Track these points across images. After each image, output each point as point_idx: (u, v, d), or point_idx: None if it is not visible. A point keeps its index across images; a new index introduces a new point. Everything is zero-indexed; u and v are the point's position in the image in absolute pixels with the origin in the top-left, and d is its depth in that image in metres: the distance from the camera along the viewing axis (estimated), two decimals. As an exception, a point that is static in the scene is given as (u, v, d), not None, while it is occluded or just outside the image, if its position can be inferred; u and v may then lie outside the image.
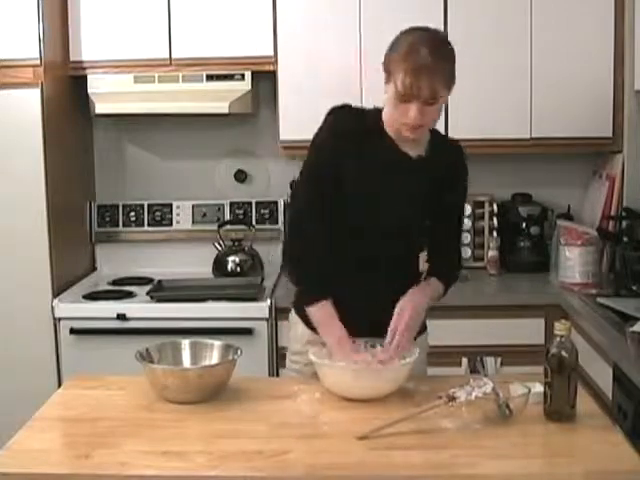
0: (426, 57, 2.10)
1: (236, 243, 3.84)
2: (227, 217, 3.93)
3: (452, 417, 1.99)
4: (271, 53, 3.60)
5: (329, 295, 2.27)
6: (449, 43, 2.21)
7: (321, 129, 2.32)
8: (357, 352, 2.21)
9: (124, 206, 3.97)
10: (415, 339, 2.29)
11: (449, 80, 2.16)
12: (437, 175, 2.31)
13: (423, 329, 2.44)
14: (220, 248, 3.83)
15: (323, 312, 2.28)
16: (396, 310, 2.22)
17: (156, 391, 2.16)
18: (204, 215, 3.95)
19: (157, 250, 3.96)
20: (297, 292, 2.44)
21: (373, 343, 2.25)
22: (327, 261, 2.29)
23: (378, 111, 2.32)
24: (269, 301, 3.37)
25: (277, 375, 3.33)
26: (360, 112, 2.33)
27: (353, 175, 2.26)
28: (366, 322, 2.23)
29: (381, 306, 2.24)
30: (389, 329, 2.20)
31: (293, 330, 2.49)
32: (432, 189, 2.31)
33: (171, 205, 3.97)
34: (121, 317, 3.36)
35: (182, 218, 3.96)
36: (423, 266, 2.43)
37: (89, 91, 3.65)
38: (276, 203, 3.93)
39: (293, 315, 2.49)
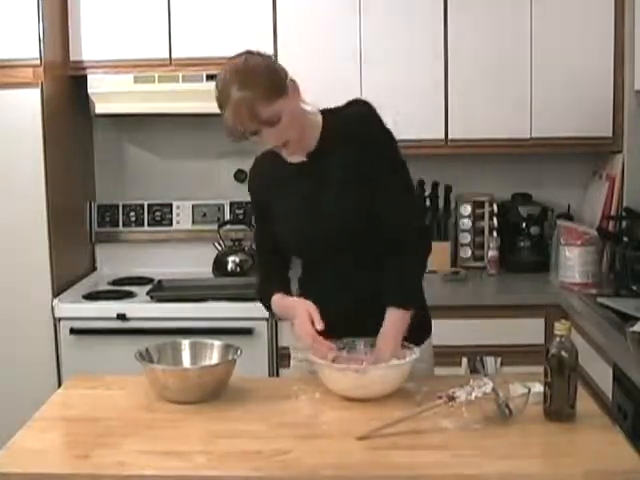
0: (235, 93, 2.07)
1: (236, 243, 3.84)
2: (227, 217, 3.93)
3: (452, 417, 1.98)
4: (271, 53, 3.58)
5: (278, 289, 2.34)
6: (258, 59, 2.21)
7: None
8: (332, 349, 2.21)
9: (124, 206, 3.97)
10: (419, 344, 2.29)
11: (271, 98, 2.09)
12: (344, 158, 2.22)
13: (428, 333, 2.43)
14: (220, 248, 3.84)
15: (278, 303, 2.33)
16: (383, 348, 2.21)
17: (156, 391, 2.16)
18: (204, 215, 3.95)
19: (157, 250, 3.96)
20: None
21: (373, 342, 2.24)
22: (308, 276, 2.38)
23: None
24: (269, 301, 3.37)
25: (277, 375, 3.33)
26: (266, 156, 2.34)
27: (276, 203, 2.33)
28: (344, 324, 2.22)
29: (361, 306, 2.26)
30: (377, 358, 2.18)
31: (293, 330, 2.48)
32: (345, 176, 2.23)
33: (171, 205, 3.97)
34: (121, 317, 3.36)
35: (182, 218, 3.96)
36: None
37: (89, 91, 3.65)
38: (276, 203, 3.93)
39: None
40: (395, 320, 2.22)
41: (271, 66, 2.20)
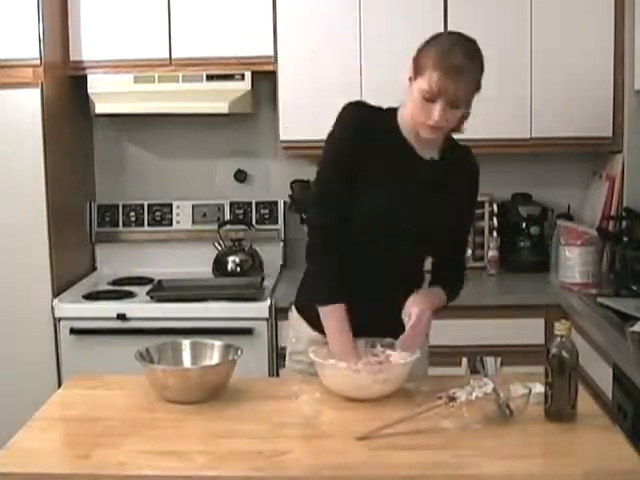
0: (461, 60, 2.10)
1: (236, 243, 3.84)
2: (227, 217, 3.93)
3: (452, 417, 1.98)
4: (271, 53, 3.60)
5: (344, 299, 2.25)
6: (479, 50, 2.19)
7: (336, 124, 2.29)
8: (359, 357, 2.21)
9: (124, 206, 3.97)
10: None
11: (476, 87, 2.17)
12: (450, 178, 2.31)
13: None
14: (220, 248, 3.83)
15: (336, 317, 2.25)
16: (415, 310, 2.20)
17: (156, 391, 2.16)
18: (204, 215, 3.95)
19: (157, 250, 3.96)
20: (304, 291, 2.43)
21: (373, 342, 2.25)
22: (346, 261, 2.27)
23: (393, 110, 2.30)
24: (269, 301, 3.37)
25: (277, 375, 3.33)
26: (375, 110, 2.30)
27: (368, 171, 2.25)
28: (368, 320, 2.22)
29: (384, 306, 2.24)
30: (410, 325, 2.19)
31: (294, 330, 2.48)
32: (445, 191, 2.30)
33: (171, 205, 3.97)
34: (121, 317, 3.36)
35: (182, 218, 3.96)
36: (428, 266, 2.44)
37: (89, 91, 3.65)
38: (276, 203, 3.93)
39: (294, 315, 2.48)
40: (438, 291, 2.33)
41: (484, 65, 2.20)
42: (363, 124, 2.26)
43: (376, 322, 2.23)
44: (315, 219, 2.34)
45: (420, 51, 2.19)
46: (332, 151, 2.29)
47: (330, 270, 2.27)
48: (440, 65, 2.10)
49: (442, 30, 3.52)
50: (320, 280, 2.32)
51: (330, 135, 2.29)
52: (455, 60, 2.10)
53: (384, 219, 2.26)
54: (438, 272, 2.42)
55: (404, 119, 2.27)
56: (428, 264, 2.44)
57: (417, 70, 2.16)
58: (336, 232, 2.26)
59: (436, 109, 2.13)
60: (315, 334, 2.35)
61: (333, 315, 2.25)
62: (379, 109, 2.31)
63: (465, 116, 2.25)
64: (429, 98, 2.13)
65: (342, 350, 2.21)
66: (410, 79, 2.19)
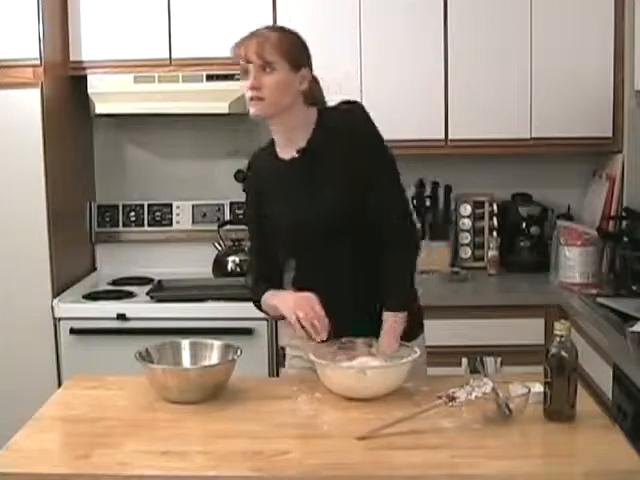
0: (257, 30, 2.24)
1: (236, 243, 3.83)
2: (227, 217, 3.93)
3: (452, 417, 1.98)
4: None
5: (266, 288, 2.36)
6: (294, 32, 2.29)
7: None
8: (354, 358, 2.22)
9: (124, 206, 3.97)
10: (411, 340, 2.30)
11: (282, 47, 2.21)
12: (331, 155, 2.26)
13: (421, 329, 2.44)
14: (220, 248, 3.83)
15: (269, 299, 2.34)
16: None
17: (156, 391, 2.16)
18: (204, 215, 3.95)
19: (157, 250, 3.96)
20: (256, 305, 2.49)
21: (370, 342, 2.26)
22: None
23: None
24: (269, 301, 3.37)
25: (277, 375, 3.33)
26: (265, 146, 2.42)
27: (265, 200, 2.38)
28: (347, 322, 2.24)
29: (355, 302, 2.27)
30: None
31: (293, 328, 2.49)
32: (330, 172, 2.27)
33: (171, 205, 3.97)
34: (121, 317, 3.36)
35: (182, 218, 3.96)
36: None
37: (89, 91, 3.65)
38: (276, 203, 3.93)
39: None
40: (393, 323, 2.27)
41: (303, 43, 2.30)
42: (255, 164, 2.44)
43: (346, 321, 2.23)
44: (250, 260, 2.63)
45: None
46: (246, 199, 2.50)
47: (252, 287, 2.46)
48: (240, 39, 2.24)
49: (442, 31, 3.55)
50: (252, 296, 2.45)
51: None
52: (253, 31, 2.24)
53: (294, 232, 2.33)
54: (384, 249, 2.32)
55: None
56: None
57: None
58: (258, 258, 2.47)
59: (249, 78, 2.21)
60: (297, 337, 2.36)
61: (267, 303, 2.36)
62: (270, 142, 2.40)
63: (314, 87, 2.30)
64: (241, 72, 2.24)
65: (286, 300, 2.25)
66: None
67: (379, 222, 2.28)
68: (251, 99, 2.22)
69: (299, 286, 2.33)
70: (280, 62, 2.20)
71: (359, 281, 2.31)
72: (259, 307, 2.43)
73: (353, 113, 2.31)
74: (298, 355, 2.43)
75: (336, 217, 2.26)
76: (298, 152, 2.30)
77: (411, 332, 2.33)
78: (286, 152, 2.32)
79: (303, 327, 2.17)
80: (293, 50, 2.24)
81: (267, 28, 2.28)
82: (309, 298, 2.19)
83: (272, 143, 2.38)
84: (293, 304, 2.20)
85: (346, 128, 2.28)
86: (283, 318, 2.30)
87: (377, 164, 2.29)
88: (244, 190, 2.50)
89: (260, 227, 2.42)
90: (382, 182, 2.29)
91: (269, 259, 2.43)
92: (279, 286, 2.39)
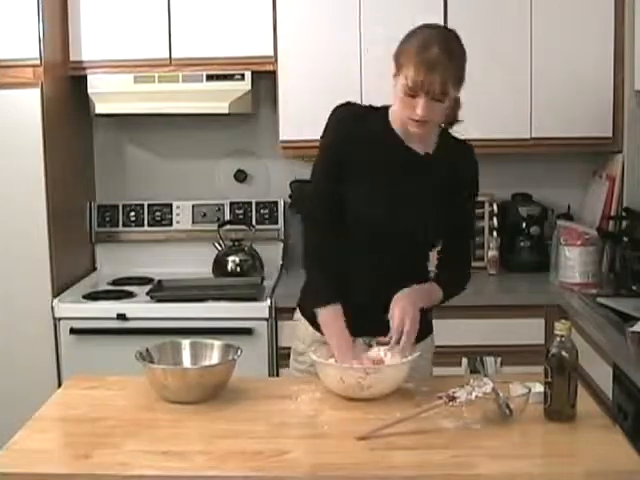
0: (437, 53, 2.11)
1: (236, 243, 3.83)
2: (227, 217, 3.93)
3: (452, 417, 1.99)
4: (271, 53, 3.60)
5: (339, 299, 2.26)
6: (460, 41, 2.21)
7: (326, 127, 2.32)
8: (358, 358, 2.20)
9: (124, 206, 3.97)
10: (420, 341, 2.31)
11: (458, 77, 2.18)
12: (446, 174, 2.31)
13: (429, 331, 2.44)
14: (220, 248, 3.83)
15: (332, 315, 2.27)
16: (397, 310, 2.20)
17: (156, 391, 2.16)
18: (204, 215, 3.95)
19: (157, 250, 3.96)
20: (306, 291, 2.44)
21: (370, 341, 2.25)
22: (341, 262, 2.30)
23: (385, 108, 2.32)
24: (269, 301, 3.37)
25: (277, 375, 3.33)
26: (364, 111, 2.33)
27: (361, 168, 2.27)
28: (367, 321, 2.23)
29: (384, 306, 2.23)
30: (394, 328, 2.19)
31: (298, 330, 2.48)
32: (441, 188, 2.31)
33: (171, 205, 3.97)
34: (121, 317, 3.36)
35: (182, 218, 3.96)
36: (433, 265, 2.45)
37: (89, 91, 3.65)
38: (276, 203, 3.93)
39: (298, 315, 2.49)
40: (429, 288, 2.32)
41: (465, 52, 2.22)
42: (351, 124, 2.29)
43: (375, 321, 2.22)
44: (310, 217, 2.38)
45: (400, 47, 2.21)
46: (323, 152, 2.33)
47: (325, 271, 2.30)
48: (415, 60, 2.12)
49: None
50: (315, 281, 2.35)
51: (321, 138, 2.34)
52: (430, 54, 2.11)
53: (373, 219, 2.28)
54: (440, 269, 2.42)
55: (394, 116, 2.29)
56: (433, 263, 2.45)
57: (398, 67, 2.19)
58: (330, 230, 2.28)
59: (419, 104, 2.14)
60: (317, 334, 2.35)
61: (328, 313, 2.27)
62: (370, 108, 2.34)
63: (455, 106, 2.27)
64: (410, 94, 2.15)
65: (340, 351, 2.21)
66: (394, 76, 2.21)
67: (449, 249, 2.40)
68: (416, 120, 2.17)
69: (338, 273, 2.30)
70: (453, 92, 2.18)
71: (394, 280, 2.29)
72: (313, 285, 2.35)
73: (473, 150, 2.41)
74: (303, 360, 2.43)
75: (425, 232, 2.31)
76: (426, 155, 2.30)
77: (423, 331, 2.33)
78: (412, 144, 2.30)
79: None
80: (463, 71, 2.20)
81: (438, 44, 2.12)
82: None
83: (383, 115, 2.31)
84: (341, 358, 2.20)
85: (469, 161, 2.39)
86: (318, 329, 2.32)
87: (471, 202, 2.44)
88: (332, 134, 2.29)
89: (336, 185, 2.27)
90: (469, 223, 2.50)
91: (331, 232, 2.30)
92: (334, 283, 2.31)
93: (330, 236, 2.29)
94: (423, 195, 2.30)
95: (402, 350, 2.17)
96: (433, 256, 2.44)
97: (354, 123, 2.29)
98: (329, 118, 2.32)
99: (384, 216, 2.27)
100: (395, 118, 2.28)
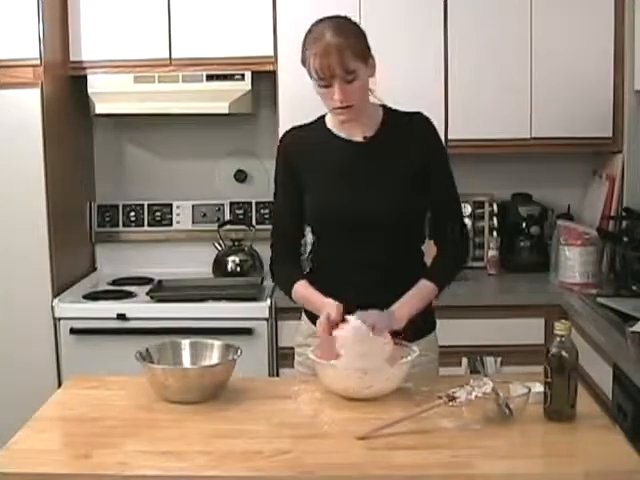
0: (329, 37, 2.18)
1: (236, 243, 3.84)
2: (227, 217, 3.93)
3: (452, 417, 1.98)
4: (271, 53, 3.60)
5: (300, 277, 2.37)
6: (353, 22, 2.28)
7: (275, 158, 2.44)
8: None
9: (124, 206, 3.97)
10: (422, 337, 2.33)
11: (359, 54, 2.21)
12: (400, 151, 2.31)
13: (431, 328, 2.45)
14: (220, 248, 3.84)
15: (301, 292, 2.35)
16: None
17: (156, 391, 2.16)
18: (204, 215, 3.95)
19: (157, 250, 3.96)
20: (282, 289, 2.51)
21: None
22: (326, 266, 2.39)
23: (322, 116, 2.40)
24: (269, 301, 3.38)
25: (277, 375, 3.33)
26: (303, 125, 2.43)
27: (309, 176, 2.35)
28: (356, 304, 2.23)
29: (378, 303, 2.23)
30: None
31: (300, 325, 2.52)
32: (398, 166, 2.30)
33: (171, 205, 3.97)
34: (121, 317, 3.36)
35: (182, 218, 3.96)
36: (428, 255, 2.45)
37: (89, 91, 3.65)
38: (276, 203, 3.93)
39: (303, 312, 2.52)
40: (422, 290, 2.31)
41: (364, 32, 2.29)
42: (290, 144, 2.40)
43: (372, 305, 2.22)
44: (271, 238, 2.54)
45: (301, 51, 2.27)
46: (275, 184, 2.44)
47: (278, 273, 2.47)
48: (313, 52, 2.20)
49: (442, 32, 3.55)
50: (278, 283, 2.53)
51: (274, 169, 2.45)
52: (323, 41, 2.18)
53: (334, 214, 2.32)
54: (436, 253, 2.41)
55: (330, 116, 2.36)
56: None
57: (307, 68, 2.25)
58: (286, 246, 2.46)
59: (335, 91, 2.20)
60: (310, 326, 2.39)
61: (298, 293, 2.36)
62: (310, 122, 2.42)
63: (372, 72, 2.30)
64: (323, 84, 2.21)
65: (322, 306, 2.23)
66: (311, 78, 2.27)
67: (437, 228, 2.40)
68: (339, 108, 2.22)
69: (320, 265, 2.41)
70: (359, 66, 2.21)
71: (387, 277, 2.31)
72: (284, 290, 2.44)
73: (427, 119, 2.37)
74: (301, 352, 2.45)
75: (394, 214, 2.30)
76: (365, 139, 2.32)
77: (424, 328, 2.37)
78: (348, 135, 2.33)
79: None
80: (363, 47, 2.25)
81: (329, 29, 2.20)
82: (332, 307, 2.20)
83: (320, 121, 2.39)
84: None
85: (421, 130, 2.35)
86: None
87: (442, 172, 2.37)
88: (278, 157, 2.42)
89: (289, 198, 2.39)
90: (446, 193, 2.39)
91: (290, 236, 2.45)
92: (302, 269, 2.44)
93: (284, 252, 2.47)
94: (378, 179, 2.30)
95: (376, 331, 2.15)
96: (430, 249, 2.43)
97: (291, 143, 2.40)
98: (276, 150, 2.44)
99: (346, 209, 2.30)
100: (328, 118, 2.36)
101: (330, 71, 2.17)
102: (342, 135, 2.34)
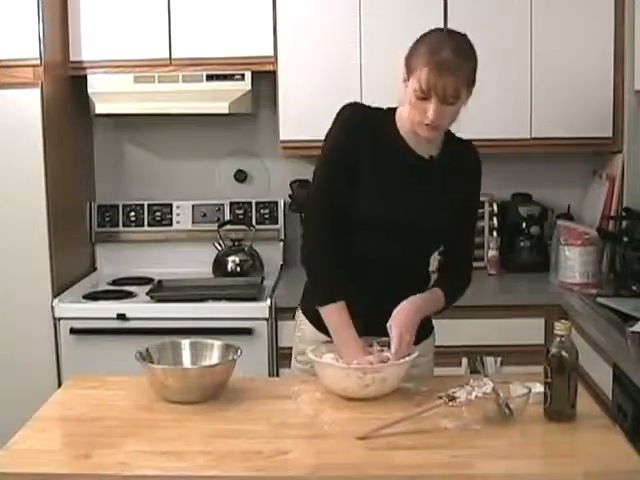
0: (450, 55, 2.11)
1: (236, 243, 3.84)
2: (227, 217, 3.93)
3: (452, 417, 1.98)
4: (271, 53, 3.60)
5: (343, 297, 2.25)
6: (471, 44, 2.21)
7: (334, 124, 2.30)
8: (363, 354, 2.20)
9: (124, 206, 3.97)
10: (421, 341, 2.32)
11: (471, 80, 2.18)
12: (450, 176, 2.31)
13: (430, 332, 2.45)
14: (220, 248, 3.83)
15: (339, 317, 2.25)
16: (397, 321, 2.19)
17: (156, 391, 2.16)
18: (204, 215, 3.95)
19: (157, 250, 3.96)
20: (310, 290, 2.43)
21: (370, 342, 2.25)
22: (343, 260, 2.28)
23: (392, 110, 2.32)
24: (269, 301, 3.37)
25: (277, 375, 3.33)
26: (373, 110, 2.32)
27: (366, 169, 2.26)
28: (367, 320, 2.23)
29: (384, 306, 2.22)
30: (393, 340, 2.17)
31: (299, 330, 2.48)
32: (444, 190, 2.31)
33: (171, 205, 3.97)
34: (121, 317, 3.36)
35: (182, 218, 3.96)
36: (434, 267, 2.45)
37: (89, 91, 3.65)
38: (276, 203, 3.93)
39: (300, 315, 2.49)
40: (433, 296, 2.32)
41: (476, 58, 2.23)
42: (360, 124, 2.27)
43: (375, 321, 2.22)
44: (311, 218, 2.36)
45: (410, 51, 2.19)
46: (329, 151, 2.30)
47: (326, 268, 2.29)
48: (428, 63, 2.11)
49: (442, 31, 3.55)
50: (317, 280, 2.33)
51: (328, 135, 2.31)
52: (442, 56, 2.10)
53: (380, 218, 2.27)
54: (442, 271, 2.43)
55: (402, 119, 2.27)
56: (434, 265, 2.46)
57: (409, 70, 2.17)
58: (331, 231, 2.27)
59: (430, 107, 2.13)
60: (319, 334, 2.36)
61: (335, 315, 2.25)
62: (378, 109, 2.32)
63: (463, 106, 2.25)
64: (422, 97, 2.13)
65: (348, 347, 2.20)
66: (404, 80, 2.19)
67: (450, 255, 2.41)
68: (427, 125, 2.16)
69: (346, 269, 2.30)
70: (465, 95, 2.18)
71: (409, 285, 2.30)
72: (318, 281, 2.32)
73: (477, 153, 2.40)
74: (303, 360, 2.42)
75: (440, 229, 2.31)
76: (430, 158, 2.30)
77: (424, 332, 2.36)
78: (415, 146, 2.29)
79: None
80: (474, 74, 2.20)
81: (449, 47, 2.12)
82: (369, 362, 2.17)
83: (389, 116, 2.30)
84: (354, 358, 2.17)
85: (472, 163, 2.38)
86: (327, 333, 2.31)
87: (474, 207, 2.46)
88: (341, 134, 2.27)
89: (347, 177, 2.25)
90: (469, 223, 2.43)
91: (334, 231, 2.28)
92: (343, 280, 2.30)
93: (330, 238, 2.27)
94: (425, 198, 2.29)
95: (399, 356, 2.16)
96: (433, 259, 2.44)
97: (362, 124, 2.27)
98: (336, 118, 2.30)
99: (387, 219, 2.27)
100: (403, 122, 2.27)
101: (439, 90, 2.10)
102: (411, 145, 2.29)
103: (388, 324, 2.19)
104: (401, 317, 2.20)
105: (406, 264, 2.33)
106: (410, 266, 2.35)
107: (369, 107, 2.33)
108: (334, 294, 2.25)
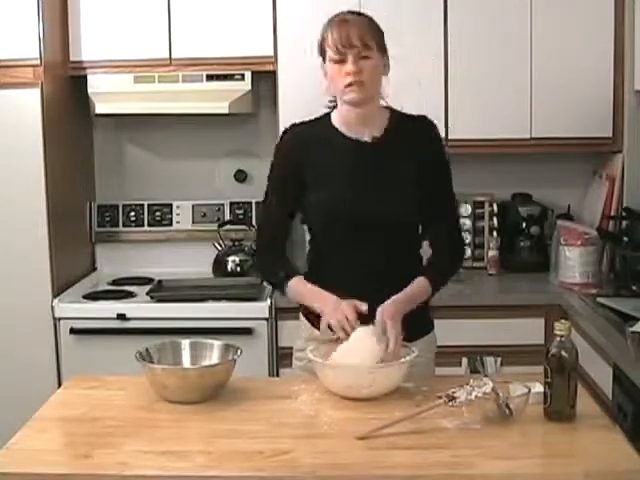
0: (348, 14, 2.30)
1: (236, 243, 3.84)
2: (227, 217, 3.93)
3: (452, 417, 1.98)
4: (271, 53, 3.60)
5: (296, 273, 2.36)
6: (372, 17, 2.35)
7: (274, 152, 2.47)
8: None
9: (124, 206, 3.97)
10: (419, 338, 2.33)
11: (377, 38, 2.28)
12: (404, 153, 2.33)
13: (429, 329, 2.45)
14: (220, 248, 3.83)
15: (303, 285, 2.34)
16: (380, 320, 2.20)
17: (156, 391, 2.16)
18: (204, 215, 3.95)
19: (157, 250, 3.96)
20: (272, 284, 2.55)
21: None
22: (324, 265, 2.39)
23: (326, 114, 2.41)
24: (269, 301, 3.37)
25: (277, 375, 3.33)
26: (308, 121, 2.43)
27: (311, 175, 2.35)
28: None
29: (377, 295, 2.23)
30: (389, 335, 2.17)
31: (300, 329, 2.51)
32: (400, 168, 2.32)
33: (171, 205, 3.97)
34: (121, 317, 3.36)
35: (182, 218, 3.96)
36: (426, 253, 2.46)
37: (89, 91, 3.65)
38: (276, 203, 3.93)
39: (301, 315, 2.51)
40: (416, 288, 2.31)
41: (382, 31, 2.35)
42: (294, 142, 2.41)
43: (370, 307, 2.22)
44: (256, 235, 2.61)
45: (319, 39, 2.33)
46: (270, 176, 2.48)
47: (267, 264, 2.45)
48: (330, 24, 2.28)
49: (442, 32, 3.55)
50: (266, 275, 2.52)
51: (271, 164, 2.47)
52: (343, 15, 2.29)
53: (339, 213, 2.32)
54: (432, 245, 2.44)
55: (336, 114, 2.37)
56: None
57: (322, 51, 2.30)
58: (273, 243, 2.44)
59: (348, 63, 2.23)
60: (315, 332, 2.37)
61: (298, 286, 2.35)
62: (314, 119, 2.43)
63: (382, 70, 2.31)
64: (337, 60, 2.24)
65: (325, 303, 2.24)
66: (324, 68, 2.31)
67: (433, 229, 2.42)
68: (350, 84, 2.24)
69: (317, 269, 2.40)
70: (375, 47, 2.26)
71: (387, 277, 2.31)
72: (274, 285, 2.47)
73: (430, 123, 2.41)
74: (301, 357, 2.44)
75: (396, 215, 2.32)
76: (374, 139, 2.33)
77: (422, 328, 2.37)
78: (355, 134, 2.35)
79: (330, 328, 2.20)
80: (381, 36, 2.31)
81: (350, 13, 2.31)
82: (349, 307, 2.19)
83: (325, 118, 2.40)
84: (333, 310, 2.20)
85: (424, 133, 2.38)
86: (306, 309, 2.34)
87: (442, 175, 2.40)
88: (278, 153, 2.46)
89: (283, 195, 2.41)
90: (444, 195, 2.41)
91: (283, 230, 2.46)
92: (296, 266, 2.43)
93: (270, 246, 2.44)
94: (383, 179, 2.31)
95: (394, 355, 2.16)
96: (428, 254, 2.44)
97: (295, 142, 2.40)
98: (276, 145, 2.46)
99: (349, 208, 2.30)
100: (338, 115, 2.36)
101: (348, 41, 2.21)
102: (349, 134, 2.35)
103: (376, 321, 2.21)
104: (384, 316, 2.20)
105: (389, 255, 2.33)
106: (394, 257, 2.34)
107: (303, 122, 2.44)
108: (286, 274, 2.36)
